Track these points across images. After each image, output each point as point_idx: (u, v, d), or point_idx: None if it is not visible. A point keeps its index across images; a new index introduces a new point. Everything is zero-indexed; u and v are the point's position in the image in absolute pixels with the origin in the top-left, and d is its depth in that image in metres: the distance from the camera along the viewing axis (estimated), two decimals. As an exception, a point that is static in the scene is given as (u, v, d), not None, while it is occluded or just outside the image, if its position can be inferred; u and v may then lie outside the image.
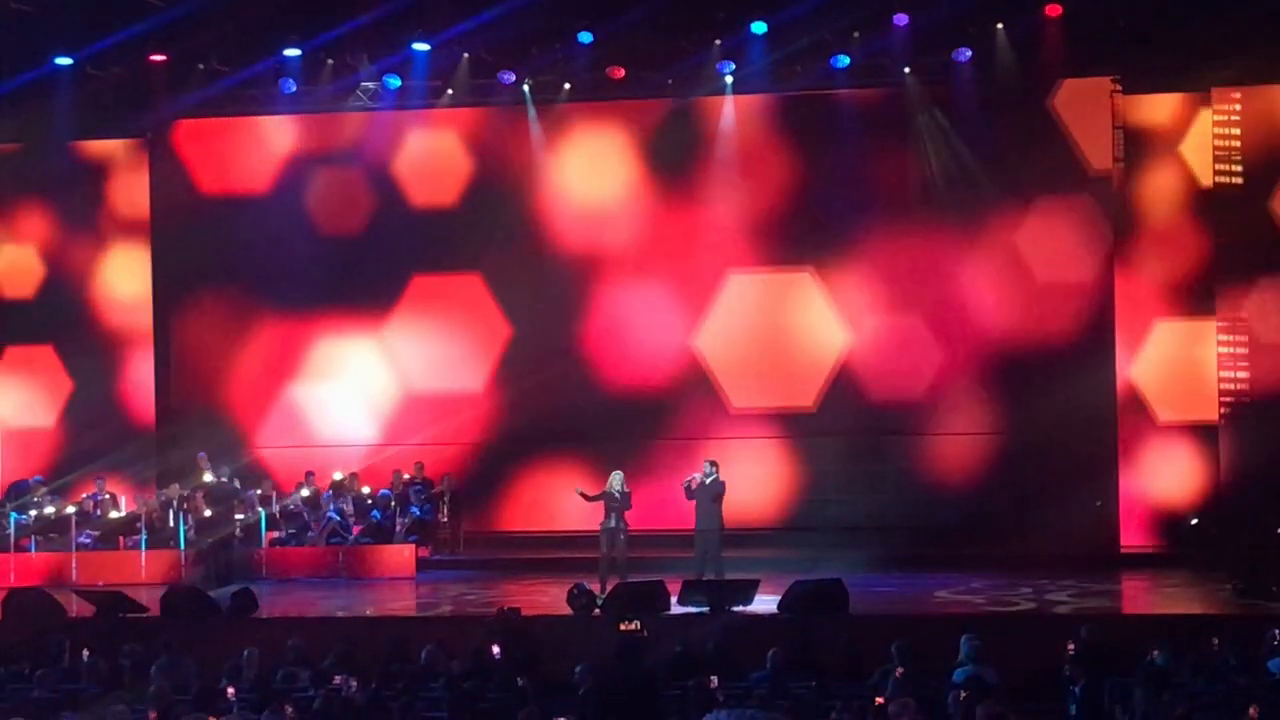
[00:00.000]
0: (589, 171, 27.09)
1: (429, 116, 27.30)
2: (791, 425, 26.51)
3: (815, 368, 26.48)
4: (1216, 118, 25.00)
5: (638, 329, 26.84)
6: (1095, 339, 25.54)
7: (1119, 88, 25.42)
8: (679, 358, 26.81)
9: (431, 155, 27.40)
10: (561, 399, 26.64)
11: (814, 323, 26.52)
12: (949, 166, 25.82)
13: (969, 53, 25.30)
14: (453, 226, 27.14)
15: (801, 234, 26.48)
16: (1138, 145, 25.52)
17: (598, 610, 19.84)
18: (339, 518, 25.33)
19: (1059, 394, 25.27)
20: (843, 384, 26.38)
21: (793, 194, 26.46)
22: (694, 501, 22.12)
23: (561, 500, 25.35)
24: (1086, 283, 25.64)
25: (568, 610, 19.94)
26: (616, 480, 22.37)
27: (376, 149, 27.37)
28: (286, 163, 27.60)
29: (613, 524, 22.12)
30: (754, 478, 25.78)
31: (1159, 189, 25.52)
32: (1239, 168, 24.93)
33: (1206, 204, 25.16)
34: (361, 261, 27.21)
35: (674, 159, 26.72)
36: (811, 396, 26.48)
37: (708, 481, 22.06)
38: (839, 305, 26.39)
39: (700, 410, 26.72)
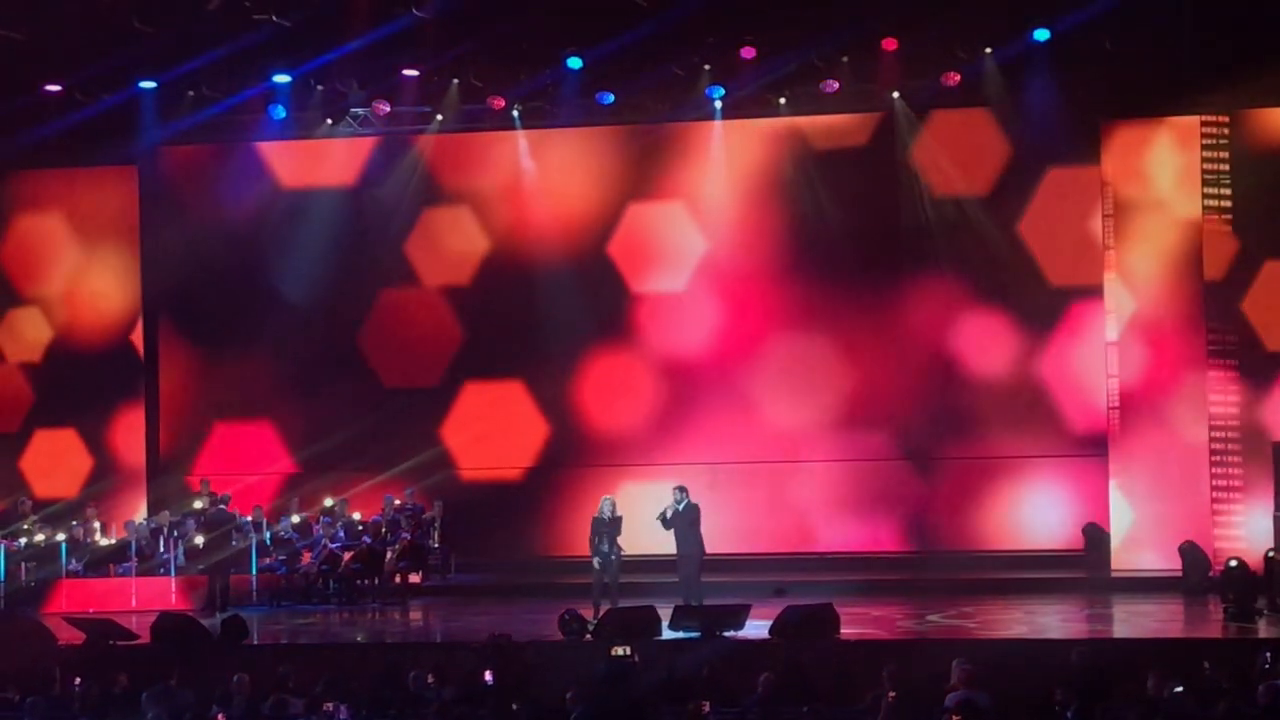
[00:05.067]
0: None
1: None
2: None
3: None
4: (1205, 144, 25.10)
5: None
6: (1087, 346, 25.71)
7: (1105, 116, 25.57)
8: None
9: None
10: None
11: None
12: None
13: (957, 78, 25.37)
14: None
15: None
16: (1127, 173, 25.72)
17: (589, 636, 19.82)
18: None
19: (1048, 409, 25.55)
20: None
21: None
22: (672, 530, 22.09)
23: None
24: (1076, 293, 25.77)
25: (559, 636, 19.92)
26: (607, 505, 22.34)
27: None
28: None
29: (605, 548, 22.07)
30: (745, 501, 25.96)
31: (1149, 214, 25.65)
32: (1227, 192, 25.02)
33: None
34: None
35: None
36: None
37: (680, 508, 22.00)
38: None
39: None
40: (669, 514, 21.99)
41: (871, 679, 15.49)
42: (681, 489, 22.19)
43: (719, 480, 25.95)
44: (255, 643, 20.79)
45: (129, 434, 27.98)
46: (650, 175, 27.14)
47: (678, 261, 27.09)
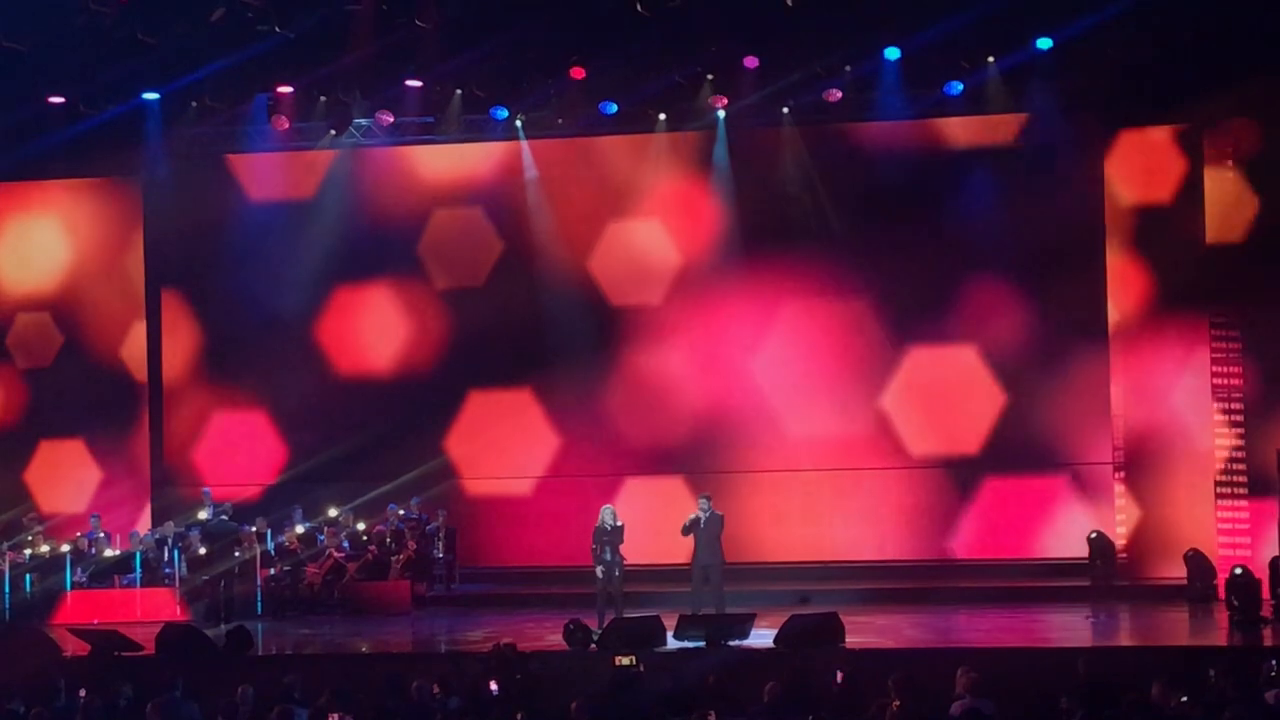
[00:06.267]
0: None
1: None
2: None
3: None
4: (1209, 151, 25.09)
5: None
6: (1091, 356, 25.69)
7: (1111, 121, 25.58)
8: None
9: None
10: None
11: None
12: None
13: (960, 86, 25.38)
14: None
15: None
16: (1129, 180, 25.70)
17: (594, 645, 19.82)
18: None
19: (1052, 418, 25.56)
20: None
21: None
22: (691, 537, 22.04)
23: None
24: (1081, 298, 25.74)
25: (564, 645, 19.92)
26: (608, 515, 22.32)
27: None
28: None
29: (609, 558, 22.06)
30: (751, 510, 26.00)
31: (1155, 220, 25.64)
32: (1231, 198, 25.01)
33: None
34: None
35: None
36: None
37: (705, 517, 22.00)
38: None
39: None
40: (701, 521, 21.93)
41: (877, 687, 15.47)
42: (706, 497, 22.21)
43: (723, 489, 25.94)
44: (260, 653, 20.78)
45: (134, 445, 27.99)
46: (650, 185, 27.14)
47: (670, 271, 27.07)
